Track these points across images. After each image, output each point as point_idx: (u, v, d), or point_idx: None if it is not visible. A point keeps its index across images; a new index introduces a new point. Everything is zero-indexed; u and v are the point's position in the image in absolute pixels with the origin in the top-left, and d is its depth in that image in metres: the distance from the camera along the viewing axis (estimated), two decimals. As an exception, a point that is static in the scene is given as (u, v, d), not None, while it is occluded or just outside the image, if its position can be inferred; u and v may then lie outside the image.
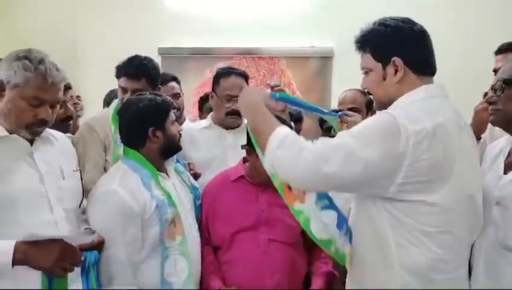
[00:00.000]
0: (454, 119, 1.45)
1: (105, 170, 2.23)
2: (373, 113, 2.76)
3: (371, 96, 2.71)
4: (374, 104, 1.68)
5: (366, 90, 1.61)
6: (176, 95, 2.73)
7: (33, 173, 1.60)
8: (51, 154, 1.69)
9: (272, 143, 1.42)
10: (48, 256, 1.43)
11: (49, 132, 1.74)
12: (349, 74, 3.84)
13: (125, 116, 1.91)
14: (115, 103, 2.36)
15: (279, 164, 1.40)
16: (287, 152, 1.39)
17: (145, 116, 1.85)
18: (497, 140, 1.80)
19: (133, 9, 4.28)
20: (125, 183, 1.79)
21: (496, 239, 1.56)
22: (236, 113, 2.40)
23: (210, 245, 2.06)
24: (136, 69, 2.29)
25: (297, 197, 1.58)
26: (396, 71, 1.48)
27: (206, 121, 2.57)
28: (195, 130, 2.51)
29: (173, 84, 2.80)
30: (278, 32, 4.10)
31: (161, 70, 2.51)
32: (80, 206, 1.80)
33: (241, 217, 1.99)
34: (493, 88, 1.66)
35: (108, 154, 2.27)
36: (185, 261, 1.78)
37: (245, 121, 2.53)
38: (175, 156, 2.03)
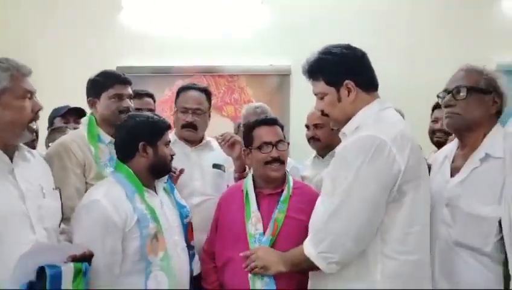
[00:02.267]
0: (406, 127, 1.65)
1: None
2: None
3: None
4: (330, 124, 1.78)
5: (322, 110, 1.76)
6: (150, 111, 2.76)
7: (14, 190, 1.57)
8: (30, 171, 1.66)
9: (311, 257, 1.61)
10: None
11: (25, 147, 1.70)
12: (306, 91, 3.95)
13: (121, 128, 1.98)
14: (85, 121, 2.27)
15: (327, 256, 1.57)
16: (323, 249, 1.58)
17: (139, 130, 1.91)
18: (445, 146, 1.94)
19: (91, 28, 4.26)
20: (109, 195, 1.82)
21: (448, 238, 1.67)
22: (191, 126, 2.47)
23: (214, 264, 2.12)
24: (124, 75, 2.30)
25: None
26: (349, 92, 1.66)
27: (171, 136, 2.59)
28: None
29: (148, 100, 2.90)
30: (237, 51, 4.18)
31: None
32: (59, 226, 1.77)
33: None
34: (450, 92, 1.77)
35: (89, 176, 2.13)
36: (165, 277, 1.80)
37: (206, 137, 2.57)
38: (166, 177, 2.07)
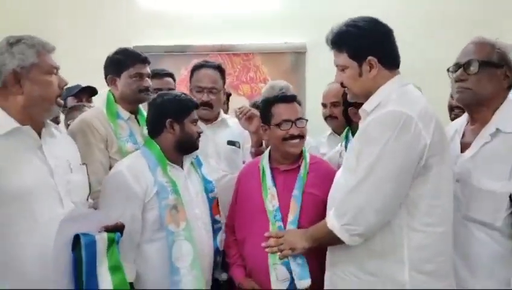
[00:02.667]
0: (427, 103, 1.64)
1: (110, 168, 2.14)
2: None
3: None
4: (348, 96, 1.78)
5: (341, 82, 1.73)
6: (171, 90, 2.79)
7: (43, 166, 1.60)
8: (57, 147, 1.70)
9: (334, 230, 1.62)
10: None
11: (52, 124, 1.75)
12: (321, 68, 3.94)
13: (151, 106, 2.10)
14: (104, 97, 2.31)
15: (350, 228, 1.59)
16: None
17: (167, 108, 2.01)
18: (454, 121, 1.93)
19: (108, 8, 4.28)
20: (132, 166, 1.94)
21: (458, 212, 1.69)
22: (206, 105, 2.47)
23: (235, 237, 2.18)
24: (143, 54, 2.33)
25: None
26: (371, 68, 1.64)
27: None
28: None
29: (169, 79, 2.90)
30: (253, 29, 4.17)
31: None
32: (87, 200, 1.82)
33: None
34: (461, 66, 1.75)
35: (111, 151, 2.19)
36: (189, 245, 1.89)
37: (221, 114, 2.59)
38: (195, 153, 2.14)
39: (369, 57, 1.63)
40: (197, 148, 2.10)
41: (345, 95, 2.26)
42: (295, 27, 4.14)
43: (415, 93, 1.67)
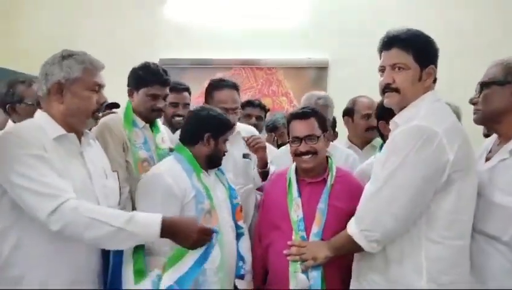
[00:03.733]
0: (457, 119, 1.71)
1: (127, 170, 2.23)
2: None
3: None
4: (386, 101, 1.78)
5: (388, 84, 1.73)
6: (186, 105, 2.90)
7: (83, 171, 1.71)
8: (94, 154, 1.81)
9: (354, 235, 1.69)
10: (191, 235, 1.67)
11: (89, 133, 1.85)
12: (342, 84, 4.05)
13: (193, 116, 2.18)
14: (123, 108, 2.40)
15: (368, 234, 1.65)
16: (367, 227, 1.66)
17: (209, 122, 2.12)
18: (489, 138, 1.96)
19: (135, 20, 4.43)
20: (171, 170, 2.01)
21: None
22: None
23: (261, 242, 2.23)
24: (166, 76, 2.39)
25: None
26: (428, 76, 1.73)
27: None
28: None
29: (186, 94, 2.96)
30: (276, 44, 4.26)
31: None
32: (118, 204, 1.90)
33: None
34: (476, 91, 1.85)
35: (128, 156, 2.26)
36: (218, 250, 1.93)
37: (237, 128, 2.65)
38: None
39: (431, 65, 1.71)
40: (220, 165, 2.21)
41: (378, 107, 2.33)
42: (318, 43, 4.21)
43: (445, 109, 1.72)
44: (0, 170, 1.56)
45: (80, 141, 1.75)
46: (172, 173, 2.00)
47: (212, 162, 2.15)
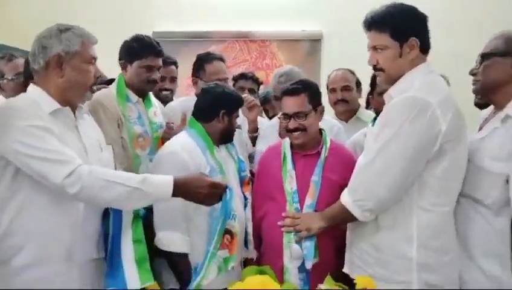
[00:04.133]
0: (450, 92, 1.73)
1: (122, 147, 2.23)
2: (360, 91, 2.92)
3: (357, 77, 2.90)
4: (378, 80, 1.86)
5: (374, 65, 1.78)
6: (173, 79, 2.91)
7: (79, 144, 1.73)
8: (88, 127, 1.83)
9: (347, 205, 1.73)
10: (201, 191, 1.71)
11: (83, 106, 1.85)
12: (337, 56, 4.04)
13: (208, 93, 2.19)
14: (115, 83, 2.38)
15: (362, 204, 1.70)
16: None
17: (225, 99, 2.16)
18: (487, 108, 1.99)
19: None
20: (186, 146, 2.05)
21: None
22: None
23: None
24: (159, 47, 2.39)
25: None
26: (411, 49, 1.72)
27: (194, 101, 2.67)
28: (185, 108, 2.60)
29: (173, 67, 2.96)
30: (270, 17, 4.23)
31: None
32: None
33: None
34: (476, 62, 1.87)
35: (123, 131, 2.26)
36: (233, 220, 2.01)
37: None
38: None
39: (412, 38, 1.71)
40: (232, 140, 2.25)
41: (373, 81, 2.38)
42: (312, 15, 4.19)
43: (439, 81, 1.75)
44: (3, 141, 1.57)
45: (74, 114, 1.76)
46: (187, 149, 2.03)
47: (226, 137, 2.19)
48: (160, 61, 2.40)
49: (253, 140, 2.66)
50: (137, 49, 2.35)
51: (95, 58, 1.76)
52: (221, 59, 2.66)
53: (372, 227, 1.74)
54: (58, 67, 1.68)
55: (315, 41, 4.25)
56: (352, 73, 2.94)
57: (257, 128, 2.65)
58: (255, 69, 4.28)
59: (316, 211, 2.02)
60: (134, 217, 1.72)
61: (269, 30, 4.28)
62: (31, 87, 1.73)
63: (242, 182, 2.26)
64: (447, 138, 1.62)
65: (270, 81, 2.98)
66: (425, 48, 1.76)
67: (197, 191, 1.70)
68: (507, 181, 1.66)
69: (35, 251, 1.61)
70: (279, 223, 1.95)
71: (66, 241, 1.65)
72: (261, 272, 1.15)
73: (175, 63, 2.99)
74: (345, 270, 1.87)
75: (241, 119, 2.61)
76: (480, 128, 1.85)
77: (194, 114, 2.19)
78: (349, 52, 3.74)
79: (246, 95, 2.60)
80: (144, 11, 4.34)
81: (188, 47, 4.26)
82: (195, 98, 2.67)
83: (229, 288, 1.16)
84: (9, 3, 4.49)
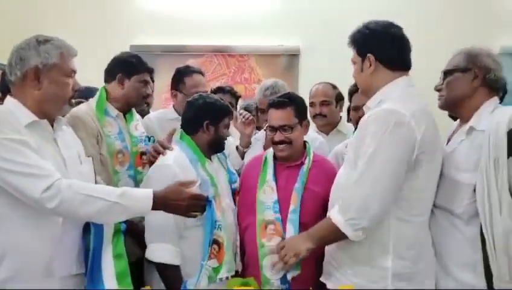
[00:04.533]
0: (426, 105, 1.80)
1: (101, 163, 2.21)
2: (342, 105, 2.98)
3: (339, 90, 2.97)
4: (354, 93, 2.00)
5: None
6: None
7: (58, 157, 1.70)
8: (67, 139, 1.80)
9: (339, 224, 1.71)
10: (181, 203, 1.71)
11: (62, 119, 1.83)
12: (314, 70, 4.10)
13: (191, 106, 2.20)
14: (96, 97, 2.37)
15: (355, 223, 1.69)
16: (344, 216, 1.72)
17: (207, 110, 2.15)
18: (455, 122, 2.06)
19: (105, 7, 4.35)
20: (177, 160, 2.05)
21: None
22: None
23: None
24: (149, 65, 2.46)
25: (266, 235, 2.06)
26: (370, 65, 1.81)
27: (172, 114, 2.69)
28: (163, 120, 2.68)
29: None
30: (248, 31, 4.27)
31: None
32: None
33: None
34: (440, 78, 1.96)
35: (102, 147, 2.24)
36: (224, 233, 2.00)
37: None
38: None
39: (368, 54, 1.80)
40: (223, 149, 2.25)
41: (350, 96, 2.55)
42: (290, 30, 4.24)
43: (414, 94, 1.81)
44: None
45: (52, 127, 1.74)
46: (179, 162, 2.04)
47: (214, 148, 2.19)
48: (149, 77, 2.46)
49: (244, 155, 2.67)
50: (136, 64, 2.39)
51: (74, 71, 1.74)
52: (201, 72, 2.70)
53: (346, 243, 1.76)
54: (36, 79, 1.66)
55: (293, 56, 4.30)
56: (334, 87, 2.98)
57: (250, 143, 2.68)
58: (234, 83, 4.29)
59: (300, 219, 2.03)
60: (115, 232, 1.71)
61: (248, 45, 4.31)
62: (8, 99, 1.70)
63: (234, 193, 2.27)
64: (422, 149, 1.68)
65: (256, 94, 3.00)
66: (390, 64, 1.81)
67: (178, 204, 1.70)
68: (474, 190, 1.71)
69: (13, 265, 1.58)
70: (273, 262, 1.94)
71: (45, 256, 1.62)
72: (245, 284, 1.15)
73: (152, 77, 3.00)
74: (322, 279, 1.90)
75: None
76: (449, 140, 1.91)
77: (182, 127, 2.20)
78: (327, 67, 3.82)
79: (242, 111, 2.67)
80: (121, 24, 4.32)
81: (166, 61, 4.24)
82: (172, 111, 2.70)
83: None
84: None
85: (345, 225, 1.70)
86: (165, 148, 2.17)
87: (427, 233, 1.80)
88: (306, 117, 2.24)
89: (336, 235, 1.74)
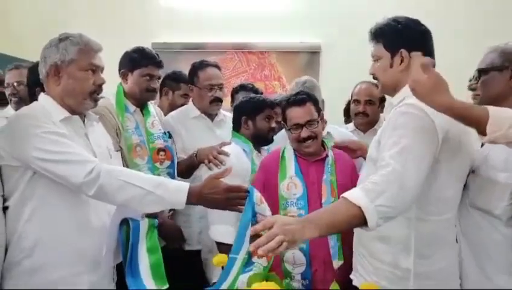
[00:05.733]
0: None
1: (121, 156, 2.21)
2: (383, 107, 2.94)
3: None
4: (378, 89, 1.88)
5: (373, 74, 1.83)
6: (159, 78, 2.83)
7: (89, 152, 1.73)
8: (98, 134, 1.85)
9: (365, 209, 1.50)
10: (218, 197, 1.69)
11: (92, 114, 1.87)
12: (335, 68, 4.08)
13: (235, 106, 2.48)
14: (114, 91, 2.41)
15: (385, 211, 1.54)
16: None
17: (243, 108, 2.39)
18: None
19: (126, 6, 4.41)
20: (234, 151, 2.27)
21: (467, 200, 1.80)
22: (218, 100, 2.63)
23: None
24: (159, 58, 2.45)
25: None
26: (401, 61, 1.75)
27: (194, 111, 2.69)
28: (186, 118, 2.66)
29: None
30: (269, 28, 4.27)
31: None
32: None
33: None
34: (474, 76, 1.90)
35: (121, 141, 2.28)
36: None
37: (220, 116, 2.69)
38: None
39: (402, 50, 1.74)
40: (271, 141, 2.41)
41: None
42: (311, 27, 4.23)
43: None
44: (20, 151, 1.60)
45: (83, 122, 1.79)
46: (236, 153, 2.25)
47: (259, 140, 2.37)
48: (159, 72, 2.45)
49: None
50: (138, 58, 2.40)
51: (95, 66, 1.76)
52: (216, 65, 2.69)
53: (369, 235, 1.73)
54: (56, 75, 1.72)
55: (314, 53, 4.29)
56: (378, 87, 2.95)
57: None
58: (254, 80, 4.31)
59: None
60: (149, 227, 1.76)
61: (268, 42, 4.32)
62: (41, 96, 1.77)
63: None
64: (442, 148, 1.63)
65: (291, 89, 2.95)
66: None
67: (213, 197, 1.68)
68: None
69: (45, 254, 1.64)
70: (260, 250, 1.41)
71: (77, 246, 1.67)
72: (267, 279, 1.16)
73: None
74: (351, 276, 1.86)
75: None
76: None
77: (233, 127, 2.43)
78: (348, 65, 3.80)
79: None
80: (143, 22, 4.36)
81: (187, 58, 4.24)
82: (194, 108, 2.71)
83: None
84: (10, 15, 4.51)
85: (373, 210, 1.49)
86: (221, 153, 2.26)
87: (450, 232, 1.77)
88: (321, 110, 2.29)
89: (352, 222, 1.52)
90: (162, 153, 2.41)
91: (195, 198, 1.66)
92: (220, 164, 2.24)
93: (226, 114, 2.76)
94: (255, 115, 2.34)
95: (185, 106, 2.84)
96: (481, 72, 1.84)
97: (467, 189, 1.80)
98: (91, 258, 1.70)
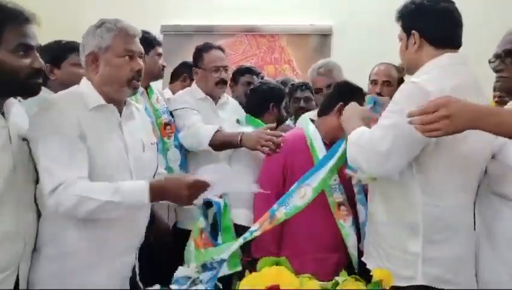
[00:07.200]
0: (471, 83, 1.70)
1: None
2: None
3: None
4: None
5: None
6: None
7: (120, 143, 1.71)
8: (134, 126, 1.80)
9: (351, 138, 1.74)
10: (182, 191, 1.63)
11: (133, 103, 1.85)
12: (347, 51, 4.03)
13: (257, 91, 2.62)
14: None
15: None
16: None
17: (273, 94, 2.58)
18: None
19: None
20: None
21: (486, 187, 1.76)
22: (224, 82, 2.63)
23: None
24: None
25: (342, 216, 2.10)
26: (414, 43, 1.74)
27: (199, 93, 2.66)
28: (193, 99, 2.64)
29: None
30: (279, 11, 4.22)
31: (163, 48, 2.68)
32: (153, 176, 1.87)
33: None
34: (498, 56, 1.81)
35: None
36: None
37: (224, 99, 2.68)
38: None
39: (413, 31, 1.73)
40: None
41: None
42: (321, 9, 4.18)
43: (451, 72, 1.69)
44: (32, 146, 1.60)
45: (121, 111, 1.76)
46: None
47: (277, 125, 2.47)
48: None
49: None
50: (151, 39, 2.49)
51: (132, 51, 1.72)
52: (219, 48, 2.69)
53: (378, 219, 1.77)
54: (94, 63, 1.69)
55: (325, 36, 4.24)
56: (397, 69, 2.90)
57: None
58: (264, 64, 4.29)
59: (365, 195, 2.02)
60: (224, 207, 1.96)
61: (278, 24, 4.27)
62: (83, 81, 1.74)
63: None
64: None
65: (309, 74, 2.95)
66: (435, 41, 1.72)
67: (177, 193, 1.63)
68: None
69: (66, 241, 1.63)
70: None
71: (99, 235, 1.65)
72: (277, 264, 1.16)
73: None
74: (363, 259, 1.88)
75: (238, 110, 2.70)
76: None
77: (248, 111, 2.57)
78: (359, 48, 3.76)
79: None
80: (152, 4, 4.33)
81: (196, 41, 4.16)
82: (199, 90, 2.68)
83: (244, 279, 1.16)
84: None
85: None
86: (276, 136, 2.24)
87: (464, 219, 1.73)
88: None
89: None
90: (168, 127, 2.50)
91: (157, 195, 1.62)
92: (278, 147, 2.20)
93: (228, 97, 2.76)
94: (280, 102, 2.55)
95: (188, 88, 2.82)
96: (509, 53, 1.74)
97: (487, 175, 1.77)
98: (113, 250, 1.70)
